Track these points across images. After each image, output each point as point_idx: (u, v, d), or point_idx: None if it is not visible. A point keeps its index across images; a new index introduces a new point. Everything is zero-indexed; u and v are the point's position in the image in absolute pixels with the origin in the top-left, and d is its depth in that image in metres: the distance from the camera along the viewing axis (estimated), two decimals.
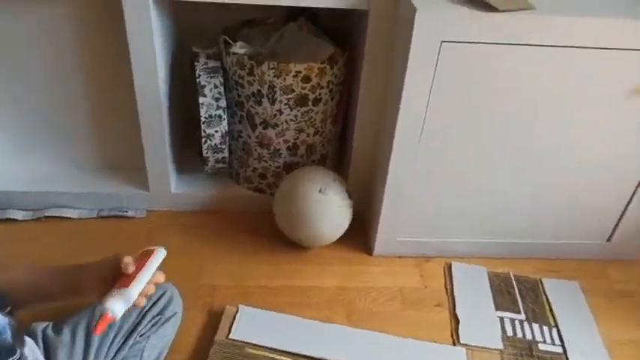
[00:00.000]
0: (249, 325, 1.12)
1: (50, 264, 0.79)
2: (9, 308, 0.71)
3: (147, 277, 0.76)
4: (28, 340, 0.79)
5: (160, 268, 0.80)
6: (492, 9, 0.95)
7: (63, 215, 1.36)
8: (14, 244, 1.27)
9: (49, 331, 0.91)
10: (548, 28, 1.00)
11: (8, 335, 0.67)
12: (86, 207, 1.38)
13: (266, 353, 1.07)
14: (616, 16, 1.01)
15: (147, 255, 0.79)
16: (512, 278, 1.31)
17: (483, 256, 1.34)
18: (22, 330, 0.75)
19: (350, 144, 1.36)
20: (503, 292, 1.27)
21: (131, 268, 0.74)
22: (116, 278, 0.75)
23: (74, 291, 0.77)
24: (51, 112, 1.33)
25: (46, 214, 1.35)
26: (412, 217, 1.27)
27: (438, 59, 1.01)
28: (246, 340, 1.09)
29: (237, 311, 1.15)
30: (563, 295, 1.28)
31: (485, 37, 0.99)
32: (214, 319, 1.14)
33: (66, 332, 0.91)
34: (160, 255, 0.80)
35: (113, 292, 0.73)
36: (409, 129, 1.12)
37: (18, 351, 0.68)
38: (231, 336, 1.10)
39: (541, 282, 1.31)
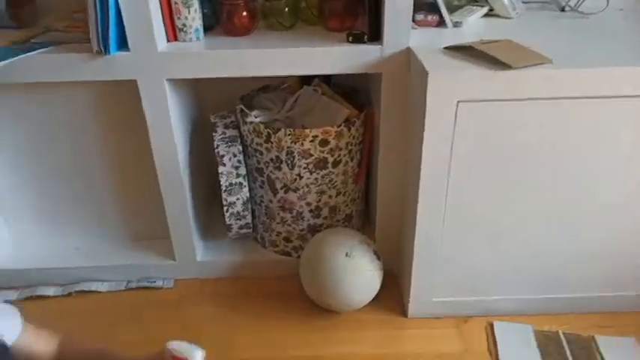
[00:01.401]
0: None
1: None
2: None
3: None
4: None
5: None
6: (506, 67, 0.91)
7: (92, 289, 1.37)
8: (46, 321, 1.27)
9: None
10: (563, 80, 0.95)
11: None
12: (114, 279, 1.38)
13: None
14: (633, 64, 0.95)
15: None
16: (562, 337, 1.21)
17: (528, 314, 1.25)
18: None
19: (375, 202, 1.32)
20: (553, 353, 1.17)
21: None
22: None
23: None
24: (76, 189, 1.35)
25: (76, 289, 1.36)
26: (447, 275, 1.20)
27: (455, 118, 0.97)
28: None
29: None
30: (619, 354, 1.16)
31: (502, 95, 0.95)
32: None
33: None
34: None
35: None
36: (433, 186, 1.07)
37: None
38: None
39: (594, 339, 1.20)
